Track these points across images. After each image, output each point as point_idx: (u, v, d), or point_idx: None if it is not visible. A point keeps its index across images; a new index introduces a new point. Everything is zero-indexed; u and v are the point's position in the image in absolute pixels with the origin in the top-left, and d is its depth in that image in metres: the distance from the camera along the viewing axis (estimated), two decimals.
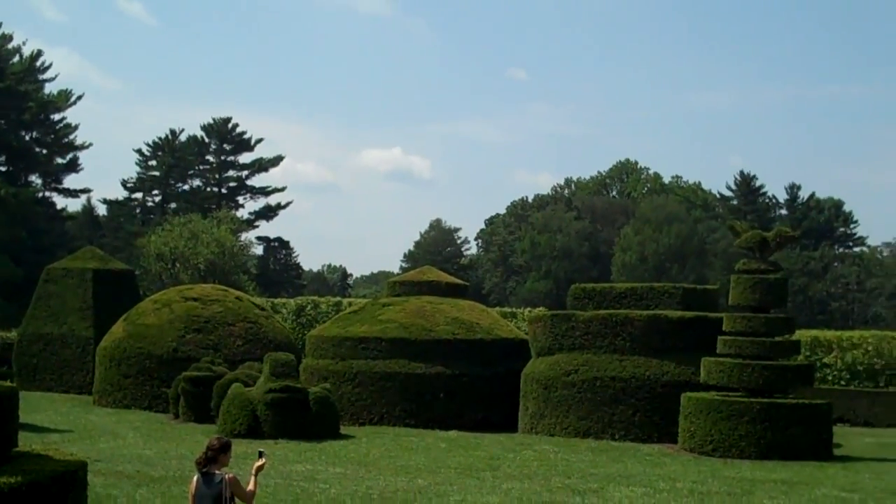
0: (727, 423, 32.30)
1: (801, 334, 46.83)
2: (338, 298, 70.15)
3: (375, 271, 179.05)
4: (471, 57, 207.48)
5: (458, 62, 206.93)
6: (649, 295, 39.52)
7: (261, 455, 13.31)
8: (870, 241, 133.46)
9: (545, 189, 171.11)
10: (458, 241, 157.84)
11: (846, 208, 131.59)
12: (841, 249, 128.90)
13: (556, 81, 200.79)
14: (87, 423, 36.45)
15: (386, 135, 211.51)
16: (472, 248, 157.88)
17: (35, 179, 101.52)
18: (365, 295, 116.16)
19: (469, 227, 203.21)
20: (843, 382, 49.49)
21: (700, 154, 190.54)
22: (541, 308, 58.52)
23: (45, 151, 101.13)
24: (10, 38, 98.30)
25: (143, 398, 42.11)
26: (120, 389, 42.91)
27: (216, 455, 12.81)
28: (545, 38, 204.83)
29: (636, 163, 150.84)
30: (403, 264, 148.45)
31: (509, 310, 60.98)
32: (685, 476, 27.33)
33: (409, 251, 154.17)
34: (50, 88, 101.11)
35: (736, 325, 33.87)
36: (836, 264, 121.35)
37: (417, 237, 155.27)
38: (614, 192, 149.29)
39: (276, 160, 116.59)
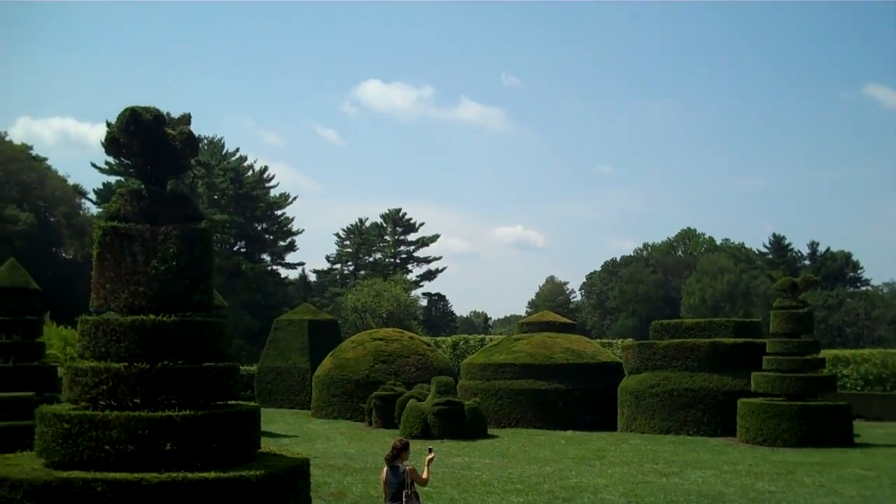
0: (773, 421, 31.76)
1: (825, 353, 46.05)
2: (482, 336, 70.13)
3: (508, 315, 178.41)
4: (571, 157, 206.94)
5: (562, 161, 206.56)
6: (710, 327, 39.02)
7: (431, 451, 13.40)
8: (873, 282, 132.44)
9: (628, 251, 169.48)
10: (567, 292, 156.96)
11: (854, 258, 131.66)
12: (851, 289, 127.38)
13: (633, 173, 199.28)
14: (307, 430, 36.89)
15: (511, 215, 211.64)
16: (577, 296, 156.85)
17: (265, 257, 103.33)
18: (501, 333, 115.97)
19: (574, 281, 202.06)
20: (858, 388, 48.67)
21: (742, 221, 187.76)
22: (630, 339, 57.88)
23: (271, 237, 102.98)
24: (245, 158, 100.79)
25: (346, 411, 42.44)
26: (330, 405, 43.31)
27: (399, 452, 12.94)
28: (625, 142, 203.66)
29: (695, 230, 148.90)
30: (528, 309, 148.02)
31: (606, 341, 60.43)
32: (743, 461, 26.86)
33: (532, 299, 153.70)
34: (273, 193, 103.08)
35: (776, 347, 33.44)
36: (848, 300, 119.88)
37: (537, 289, 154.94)
38: (680, 252, 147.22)
39: (434, 237, 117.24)
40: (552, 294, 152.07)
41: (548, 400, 39.45)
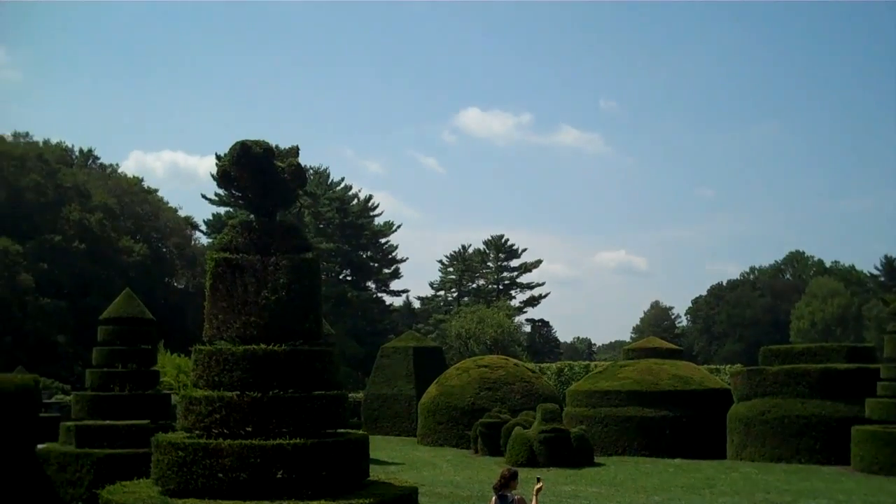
0: (889, 449, 30.73)
1: None
2: (586, 362, 69.44)
3: (612, 340, 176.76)
4: (671, 180, 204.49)
5: (662, 184, 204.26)
6: (821, 352, 37.97)
7: (538, 480, 13.24)
8: None
9: (734, 275, 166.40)
10: (672, 317, 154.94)
11: None
12: None
13: (735, 195, 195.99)
14: (413, 457, 36.92)
15: (612, 240, 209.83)
16: (682, 321, 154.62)
17: (370, 285, 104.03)
18: (606, 359, 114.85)
19: (679, 306, 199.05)
20: None
21: (853, 243, 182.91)
22: (738, 364, 56.67)
23: (376, 265, 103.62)
24: (350, 187, 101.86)
25: (452, 438, 42.36)
26: (435, 433, 43.31)
27: (508, 481, 12.82)
28: (726, 164, 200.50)
29: (804, 252, 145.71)
30: (632, 335, 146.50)
31: (714, 367, 59.19)
32: (858, 490, 26.02)
33: (636, 325, 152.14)
34: (378, 221, 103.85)
35: (891, 373, 32.34)
36: None
37: (641, 314, 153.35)
38: (788, 275, 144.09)
39: (537, 263, 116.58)
40: (657, 319, 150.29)
41: (655, 427, 38.83)
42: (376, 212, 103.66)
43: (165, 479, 14.89)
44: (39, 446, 22.55)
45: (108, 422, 24.18)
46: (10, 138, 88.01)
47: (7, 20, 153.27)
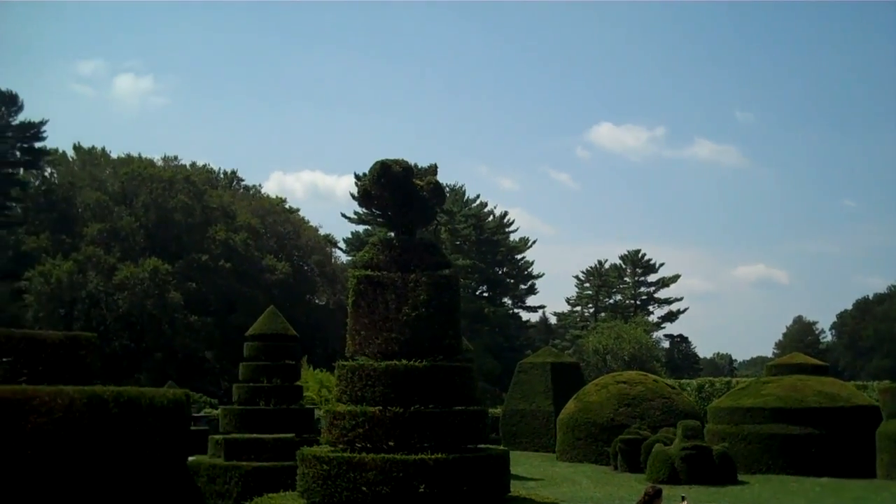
0: None
1: None
2: (727, 379, 67.93)
3: (753, 356, 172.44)
4: (811, 191, 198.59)
5: (802, 195, 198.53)
6: None
7: (683, 499, 13.03)
8: None
9: (880, 288, 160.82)
10: (816, 332, 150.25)
11: None
12: None
13: (880, 206, 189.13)
14: (552, 473, 36.76)
15: (751, 254, 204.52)
16: (827, 336, 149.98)
17: (507, 301, 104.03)
18: (747, 375, 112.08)
19: (823, 320, 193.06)
20: None
21: None
22: (886, 381, 54.62)
23: (512, 281, 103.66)
24: (486, 204, 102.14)
25: (591, 455, 42.00)
26: (574, 448, 43.01)
27: (652, 499, 12.67)
28: (868, 175, 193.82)
29: None
30: (775, 350, 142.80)
31: (861, 383, 57.24)
32: None
33: (779, 340, 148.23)
34: (513, 237, 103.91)
35: None
36: None
37: (783, 329, 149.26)
38: None
39: (674, 278, 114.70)
40: (800, 334, 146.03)
41: (800, 445, 37.73)
42: (511, 228, 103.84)
43: (310, 491, 15.16)
44: (190, 458, 23.26)
45: (254, 435, 24.83)
46: (160, 162, 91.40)
47: (154, 50, 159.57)
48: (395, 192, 16.60)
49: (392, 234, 17.25)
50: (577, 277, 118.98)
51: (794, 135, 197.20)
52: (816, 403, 38.55)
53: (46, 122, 79.72)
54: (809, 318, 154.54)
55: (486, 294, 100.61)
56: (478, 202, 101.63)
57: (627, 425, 40.32)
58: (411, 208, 16.87)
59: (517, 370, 52.91)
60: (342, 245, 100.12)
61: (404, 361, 15.41)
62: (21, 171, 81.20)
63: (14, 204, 79.46)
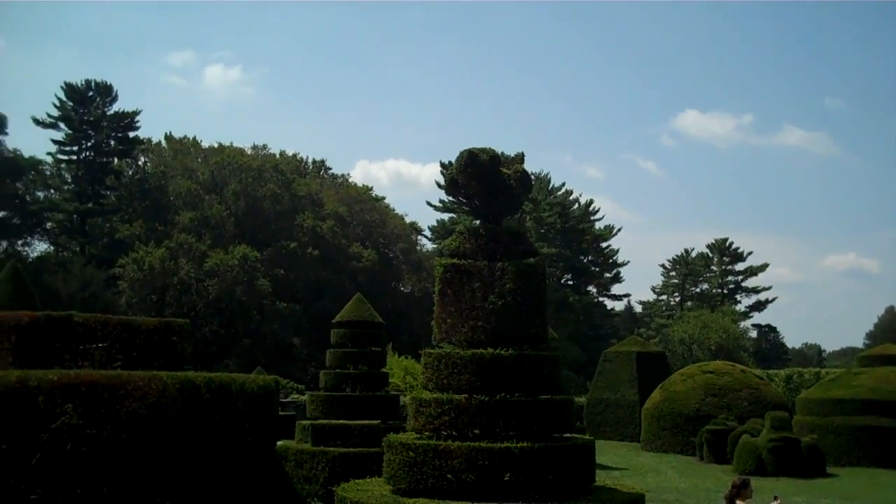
0: None
1: None
2: (817, 369, 66.58)
3: (843, 347, 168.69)
4: None
5: (893, 184, 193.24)
6: None
7: (776, 499, 12.79)
8: None
9: None
10: None
11: None
12: None
13: None
14: (637, 463, 36.46)
15: (842, 242, 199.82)
16: None
17: (591, 289, 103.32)
18: (837, 366, 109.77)
19: None
20: None
21: None
22: None
23: (597, 269, 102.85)
24: (571, 192, 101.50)
25: (676, 445, 41.55)
26: (659, 438, 42.60)
27: (739, 490, 12.49)
28: None
29: None
30: (866, 341, 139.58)
31: None
32: None
33: (870, 330, 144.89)
34: (598, 225, 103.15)
35: None
36: None
37: (875, 320, 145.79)
38: None
39: (763, 267, 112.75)
40: (892, 325, 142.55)
41: (891, 438, 36.84)
42: (597, 216, 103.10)
43: (396, 478, 15.25)
44: (278, 443, 23.55)
45: (341, 421, 25.04)
46: (249, 151, 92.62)
47: (243, 40, 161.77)
48: (482, 180, 16.57)
49: (478, 222, 17.22)
50: (662, 266, 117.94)
51: (885, 121, 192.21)
52: None
53: (140, 112, 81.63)
54: None
55: (570, 282, 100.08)
56: (563, 190, 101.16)
57: (714, 416, 39.79)
58: (497, 197, 16.83)
59: (602, 359, 52.55)
60: (427, 233, 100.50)
61: (490, 350, 15.39)
62: (115, 160, 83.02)
63: (109, 192, 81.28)
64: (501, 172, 16.77)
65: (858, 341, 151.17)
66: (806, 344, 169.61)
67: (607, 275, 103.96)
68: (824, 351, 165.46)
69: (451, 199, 23.98)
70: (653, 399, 44.10)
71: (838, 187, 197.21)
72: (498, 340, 15.56)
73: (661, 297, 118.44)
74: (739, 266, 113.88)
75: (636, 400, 48.49)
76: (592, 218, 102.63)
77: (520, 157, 17.61)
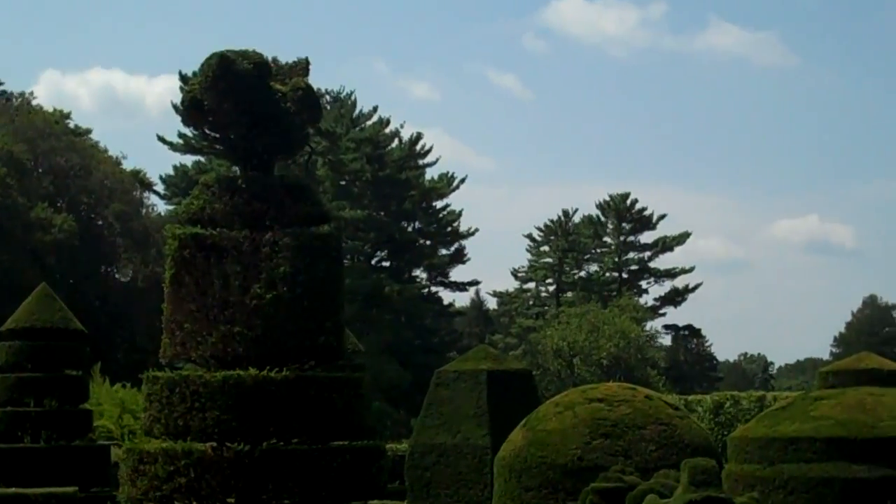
0: None
1: None
2: (760, 393, 68.91)
3: (801, 359, 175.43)
4: (892, 106, 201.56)
5: (877, 114, 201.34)
6: None
7: None
8: None
9: None
10: None
11: None
12: None
13: None
14: None
15: (799, 201, 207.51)
16: None
17: (419, 273, 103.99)
18: (791, 387, 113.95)
19: None
20: None
21: None
22: None
23: (428, 242, 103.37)
24: (387, 121, 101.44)
25: None
26: (521, 503, 43.34)
27: None
28: None
29: None
30: (834, 349, 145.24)
31: None
32: None
33: (840, 334, 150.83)
34: (430, 174, 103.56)
35: None
36: None
37: (848, 317, 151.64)
38: None
39: (682, 238, 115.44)
40: (873, 324, 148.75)
41: (869, 495, 38.48)
42: (428, 160, 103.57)
43: None
44: None
45: (12, 490, 24.54)
46: None
47: None
48: (242, 102, 16.47)
49: (236, 169, 17.13)
50: (529, 237, 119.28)
51: (867, 19, 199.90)
52: (895, 430, 39.30)
53: None
54: (887, 299, 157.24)
55: (386, 263, 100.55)
56: (375, 119, 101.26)
57: (605, 466, 40.59)
58: (267, 128, 16.75)
59: (434, 382, 52.82)
60: (160, 187, 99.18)
61: (253, 371, 15.34)
62: None
63: None
64: (273, 89, 16.72)
65: (822, 350, 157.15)
66: (745, 355, 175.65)
67: (444, 251, 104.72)
68: (772, 365, 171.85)
69: (195, 132, 23.63)
70: (512, 443, 44.68)
71: (795, 118, 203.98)
72: (266, 355, 15.55)
73: (526, 286, 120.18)
74: (646, 237, 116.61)
75: (486, 445, 49.02)
76: (421, 163, 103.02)
77: (303, 66, 17.56)
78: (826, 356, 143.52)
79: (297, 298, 15.67)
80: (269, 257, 15.59)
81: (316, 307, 15.81)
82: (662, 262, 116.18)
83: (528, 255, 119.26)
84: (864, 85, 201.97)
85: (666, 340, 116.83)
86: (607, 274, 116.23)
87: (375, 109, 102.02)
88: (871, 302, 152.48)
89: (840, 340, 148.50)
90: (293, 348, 15.63)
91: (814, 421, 40.31)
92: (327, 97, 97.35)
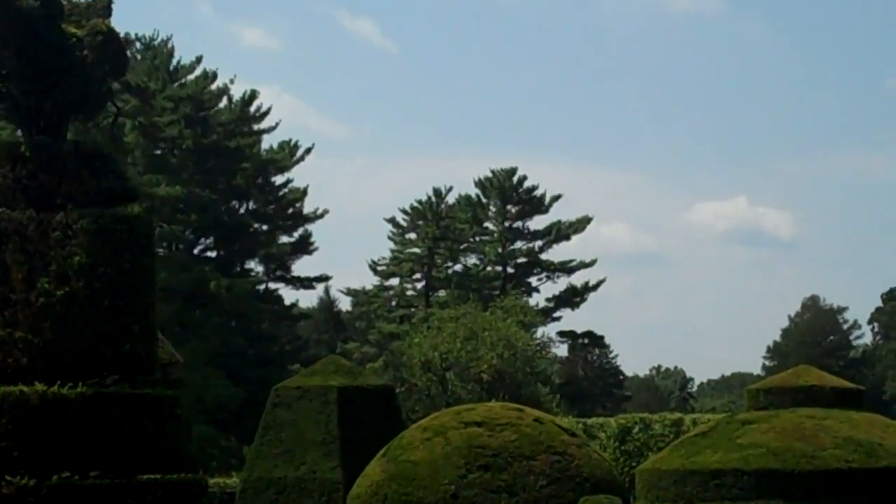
0: None
1: None
2: (677, 415, 69.62)
3: (727, 374, 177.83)
4: (841, 65, 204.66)
5: (818, 72, 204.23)
6: None
7: None
8: None
9: None
10: (845, 327, 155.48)
11: None
12: None
13: None
14: None
15: (724, 180, 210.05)
16: (864, 336, 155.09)
17: (254, 266, 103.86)
18: (714, 408, 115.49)
19: (859, 307, 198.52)
20: None
21: None
22: None
23: (265, 227, 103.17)
24: (214, 75, 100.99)
25: None
26: None
27: None
28: None
29: None
30: (766, 362, 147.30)
31: None
32: None
33: (774, 343, 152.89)
34: (268, 142, 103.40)
35: None
36: None
37: (784, 323, 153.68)
38: None
39: (581, 224, 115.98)
40: (815, 332, 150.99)
41: None
42: (264, 124, 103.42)
43: None
44: None
45: None
46: None
47: None
48: (26, 49, 16.38)
49: (20, 133, 17.03)
50: (392, 222, 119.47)
51: None
52: (841, 462, 39.88)
53: None
54: (831, 300, 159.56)
55: (212, 253, 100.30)
56: (198, 73, 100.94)
57: None
58: (59, 82, 16.68)
59: (271, 402, 52.92)
60: None
61: (41, 386, 15.27)
62: None
63: None
64: (66, 33, 16.65)
65: (753, 363, 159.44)
66: (658, 369, 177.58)
67: (286, 238, 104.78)
68: (691, 381, 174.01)
69: None
70: (369, 477, 44.85)
71: (721, 76, 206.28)
72: (56, 367, 15.49)
73: (388, 283, 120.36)
74: (537, 222, 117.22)
75: (336, 479, 49.20)
76: (256, 128, 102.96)
77: (104, 5, 17.49)
78: (757, 370, 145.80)
79: (95, 296, 15.61)
80: (60, 244, 15.49)
81: (120, 307, 15.77)
82: (556, 253, 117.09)
83: (391, 245, 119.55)
84: (800, 40, 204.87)
85: (561, 350, 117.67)
86: (488, 268, 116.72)
87: (199, 60, 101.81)
88: (812, 304, 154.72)
89: (774, 351, 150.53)
90: (91, 358, 15.58)
91: (741, 450, 40.88)
92: (137, 45, 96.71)
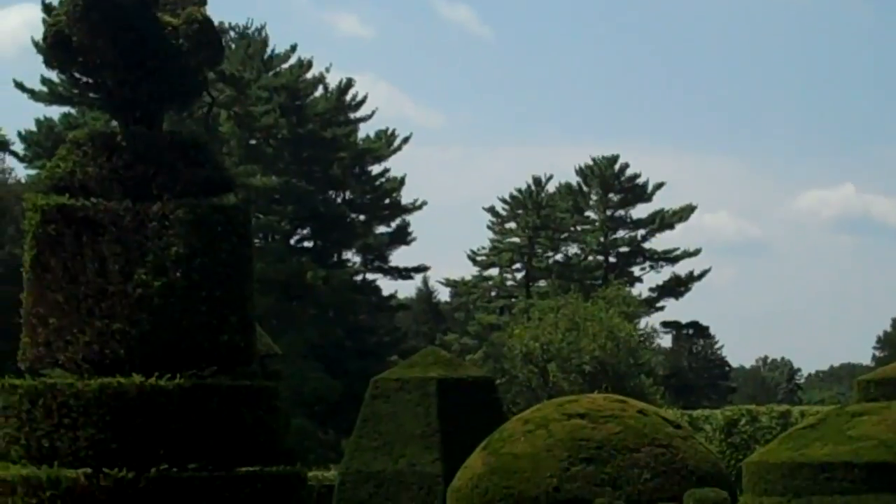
0: None
1: None
2: (784, 407, 69.12)
3: (836, 365, 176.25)
4: None
5: None
6: None
7: None
8: None
9: None
10: None
11: None
12: None
13: None
14: None
15: (829, 167, 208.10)
16: None
17: (351, 257, 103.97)
18: (823, 400, 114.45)
19: None
20: None
21: None
22: None
23: (362, 218, 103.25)
24: (309, 64, 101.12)
25: None
26: None
27: None
28: None
29: None
30: (877, 353, 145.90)
31: None
32: None
33: (885, 333, 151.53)
34: (365, 131, 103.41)
35: None
36: None
37: (894, 313, 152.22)
38: None
39: (684, 212, 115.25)
40: None
41: None
42: (360, 113, 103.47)
43: None
44: None
45: None
46: None
47: None
48: (122, 38, 16.47)
49: (116, 123, 17.14)
50: (491, 212, 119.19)
51: None
52: None
53: None
54: None
55: (309, 244, 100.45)
56: (293, 61, 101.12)
57: (588, 500, 40.90)
58: (154, 72, 16.76)
59: (370, 394, 52.95)
60: (18, 147, 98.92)
61: (138, 378, 15.35)
62: None
63: None
64: (161, 22, 16.73)
65: (864, 354, 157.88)
66: (765, 361, 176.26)
67: (383, 228, 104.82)
68: (799, 373, 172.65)
69: (62, 76, 23.46)
70: (470, 470, 44.81)
71: (825, 61, 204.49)
72: (154, 358, 15.55)
73: (487, 273, 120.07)
74: (639, 211, 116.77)
75: (436, 472, 49.16)
76: (352, 117, 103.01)
77: None
78: (867, 361, 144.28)
79: (193, 287, 15.67)
80: (157, 235, 15.57)
81: (218, 298, 15.81)
82: (660, 242, 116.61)
83: (490, 235, 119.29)
84: None
85: (665, 341, 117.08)
86: (590, 257, 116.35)
87: (293, 49, 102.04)
88: None
89: (885, 341, 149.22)
90: (189, 350, 15.63)
91: (852, 442, 40.56)
92: (231, 33, 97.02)
